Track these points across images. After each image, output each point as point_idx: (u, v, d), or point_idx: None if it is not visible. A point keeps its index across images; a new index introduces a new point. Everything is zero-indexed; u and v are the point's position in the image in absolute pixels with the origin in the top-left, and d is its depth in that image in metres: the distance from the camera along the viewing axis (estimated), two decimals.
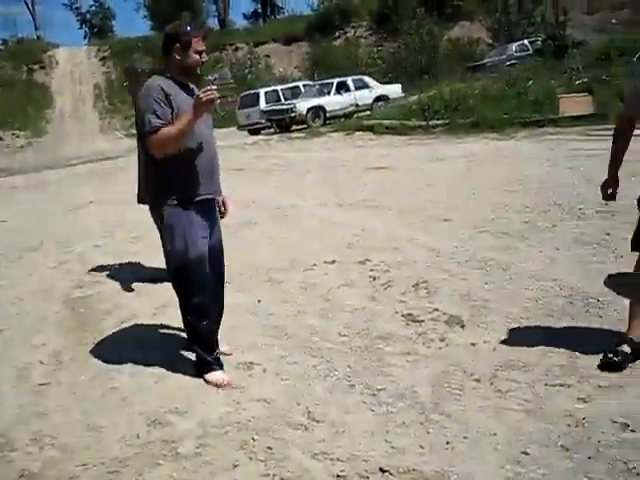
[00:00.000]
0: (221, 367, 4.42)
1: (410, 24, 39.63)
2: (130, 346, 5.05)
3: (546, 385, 3.88)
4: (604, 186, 4.15)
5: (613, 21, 31.32)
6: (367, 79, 28.37)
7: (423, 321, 5.01)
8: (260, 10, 66.56)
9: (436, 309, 5.18)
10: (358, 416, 3.78)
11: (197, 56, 4.18)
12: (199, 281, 4.27)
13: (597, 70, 18.50)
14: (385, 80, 31.80)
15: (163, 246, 4.57)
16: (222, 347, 4.70)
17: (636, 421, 3.43)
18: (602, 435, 3.34)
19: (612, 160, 4.12)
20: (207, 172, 4.27)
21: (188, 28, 4.19)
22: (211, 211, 4.41)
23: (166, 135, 4.00)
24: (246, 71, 45.52)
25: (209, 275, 4.34)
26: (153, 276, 6.62)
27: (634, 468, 3.07)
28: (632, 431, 3.36)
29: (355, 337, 4.85)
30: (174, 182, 4.18)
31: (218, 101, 4.12)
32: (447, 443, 3.41)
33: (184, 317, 4.44)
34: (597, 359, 4.06)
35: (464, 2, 44.71)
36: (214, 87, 4.03)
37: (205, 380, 4.35)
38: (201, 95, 3.95)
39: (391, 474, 3.21)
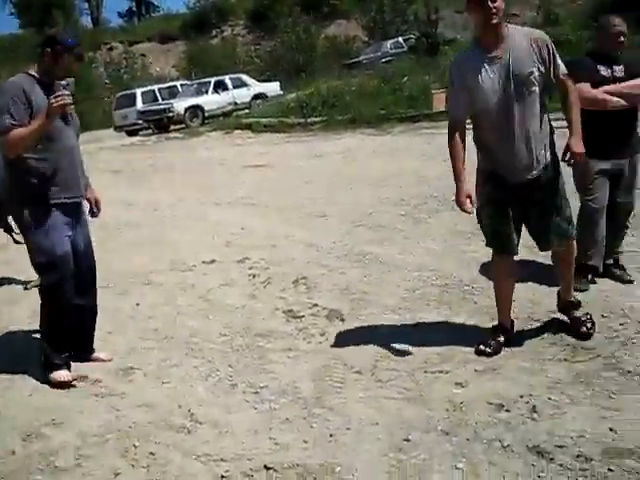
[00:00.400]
0: (68, 368, 4.33)
1: (287, 22, 39.73)
2: (2, 357, 4.82)
3: (425, 372, 3.98)
4: (461, 198, 3.94)
5: None
6: (245, 77, 28.26)
7: (303, 316, 5.03)
8: (135, 8, 65.17)
9: (316, 304, 5.23)
10: (241, 415, 3.75)
11: (64, 71, 4.17)
12: (61, 280, 4.20)
13: None
14: (263, 78, 31.70)
15: (28, 248, 4.40)
16: (100, 353, 4.59)
17: (509, 401, 3.57)
18: (479, 417, 3.47)
19: (455, 163, 4.00)
20: (68, 174, 4.22)
21: (68, 40, 4.16)
22: (74, 212, 4.33)
23: (18, 136, 3.95)
24: (122, 71, 44.43)
25: (74, 275, 4.27)
26: (26, 283, 6.38)
27: (509, 446, 3.19)
28: (507, 411, 3.50)
29: (236, 336, 4.82)
30: (33, 184, 4.11)
31: (72, 106, 4.09)
32: (330, 436, 3.44)
33: (41, 314, 4.34)
34: (473, 344, 4.20)
35: (340, 1, 45.21)
36: (66, 92, 4.01)
37: (49, 380, 4.25)
38: (52, 100, 3.92)
39: (275, 470, 3.20)
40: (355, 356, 4.26)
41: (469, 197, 3.95)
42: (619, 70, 4.89)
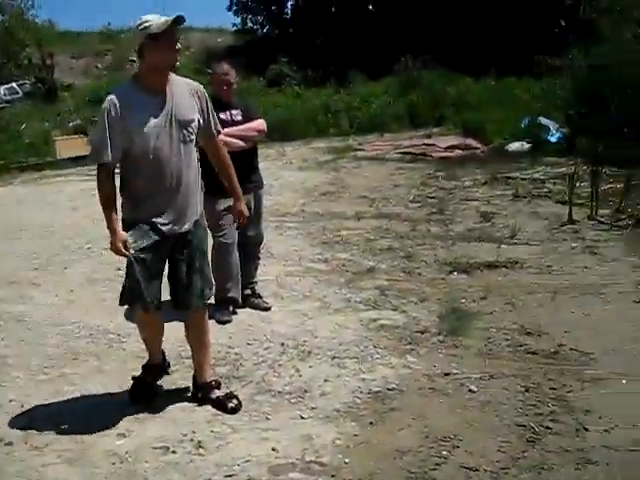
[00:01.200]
0: None
1: None
2: None
3: (85, 430, 3.79)
4: (117, 245, 3.65)
5: (99, 65, 32.48)
6: None
7: None
8: None
9: None
10: None
11: None
12: None
13: (88, 111, 19.08)
14: None
15: None
16: None
17: (174, 442, 3.61)
18: (147, 464, 3.43)
19: (110, 211, 3.68)
20: None
21: None
22: None
23: None
24: None
25: None
26: None
27: None
28: (173, 452, 3.53)
29: None
30: None
31: None
32: None
33: None
34: (128, 393, 4.17)
35: None
36: None
37: None
38: None
39: None
40: (4, 427, 3.90)
41: (124, 242, 3.66)
42: (237, 114, 5.23)
